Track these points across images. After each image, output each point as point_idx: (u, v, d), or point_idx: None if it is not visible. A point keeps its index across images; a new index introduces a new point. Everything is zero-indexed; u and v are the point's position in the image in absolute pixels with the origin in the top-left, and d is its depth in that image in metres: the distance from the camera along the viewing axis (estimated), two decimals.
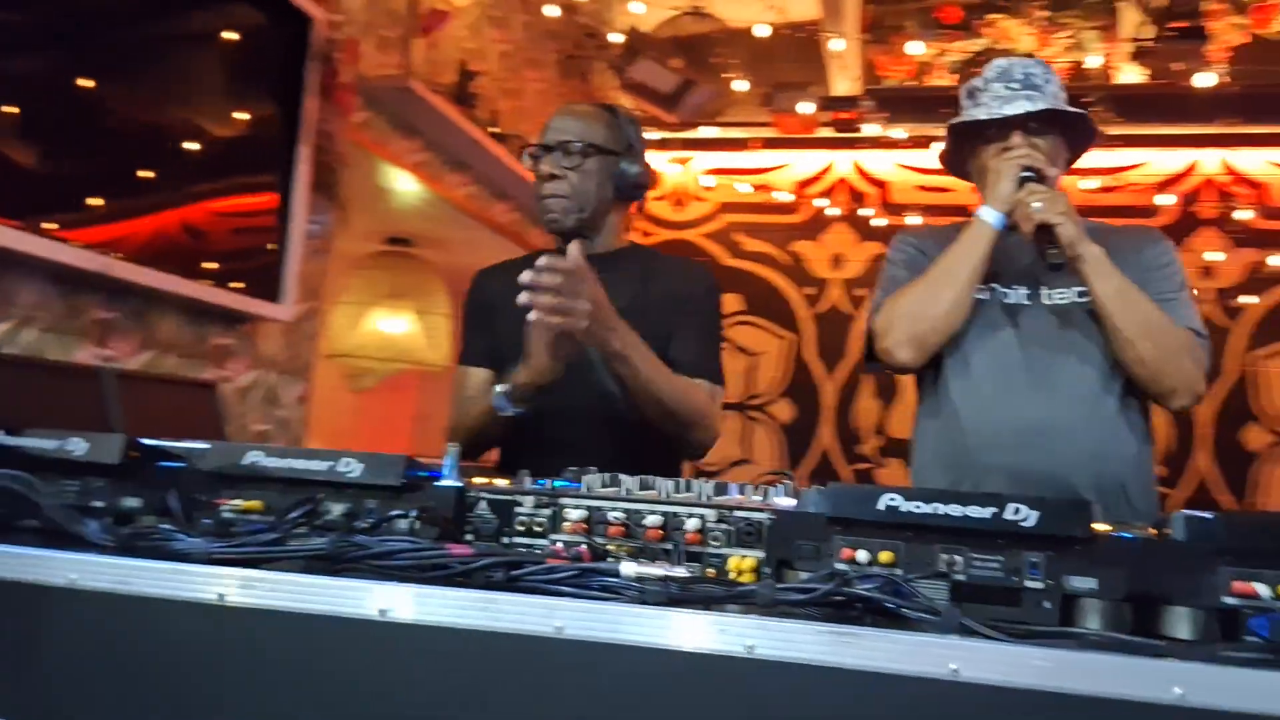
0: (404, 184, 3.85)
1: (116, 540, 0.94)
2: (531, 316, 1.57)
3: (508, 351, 1.79)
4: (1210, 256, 5.06)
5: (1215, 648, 0.78)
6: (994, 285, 1.85)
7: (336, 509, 1.00)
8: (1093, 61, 4.75)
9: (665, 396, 1.72)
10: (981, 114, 1.83)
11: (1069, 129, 1.87)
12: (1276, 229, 5.01)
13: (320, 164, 2.98)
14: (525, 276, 1.55)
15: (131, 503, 1.04)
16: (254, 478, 1.01)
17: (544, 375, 1.67)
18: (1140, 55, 4.25)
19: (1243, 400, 5.00)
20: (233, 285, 2.73)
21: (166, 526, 0.96)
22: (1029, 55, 2.05)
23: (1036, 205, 1.73)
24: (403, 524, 0.96)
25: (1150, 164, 5.16)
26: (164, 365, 2.61)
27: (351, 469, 0.99)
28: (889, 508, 0.88)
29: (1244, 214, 5.06)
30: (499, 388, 1.72)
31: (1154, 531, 0.91)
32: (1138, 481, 1.80)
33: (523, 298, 1.55)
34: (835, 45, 4.44)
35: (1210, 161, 5.14)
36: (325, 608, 0.85)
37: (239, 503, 1.00)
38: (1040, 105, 1.79)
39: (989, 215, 1.79)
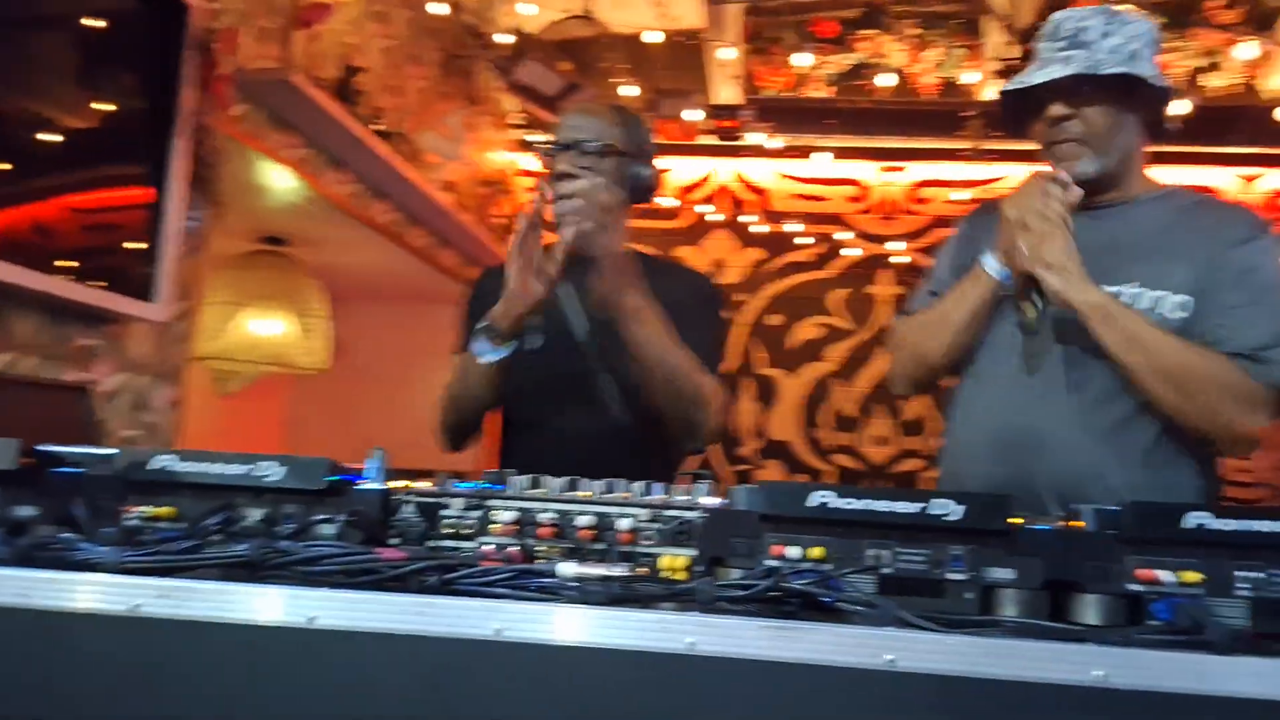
0: (280, 181, 3.72)
1: (14, 552, 0.88)
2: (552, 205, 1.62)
3: None
4: None
5: (1129, 632, 0.83)
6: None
7: (254, 514, 0.96)
8: (969, 78, 4.95)
9: (672, 368, 1.67)
10: (1016, 83, 1.65)
11: (1127, 91, 1.60)
12: None
13: (196, 158, 2.86)
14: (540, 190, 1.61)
15: (26, 512, 0.98)
16: (164, 483, 0.96)
17: (521, 301, 1.63)
18: (1005, 74, 4.45)
19: None
20: (100, 283, 2.58)
21: (69, 536, 0.91)
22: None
23: (1021, 247, 1.57)
24: (329, 529, 0.93)
25: (1010, 178, 5.42)
26: (23, 367, 2.45)
27: (271, 473, 0.95)
28: (820, 504, 0.90)
29: None
30: (475, 328, 1.66)
31: (1066, 523, 0.95)
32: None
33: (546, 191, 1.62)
34: (724, 54, 4.51)
35: None
36: (251, 617, 0.82)
37: (148, 509, 0.95)
38: (1070, 70, 1.57)
39: (990, 266, 1.65)
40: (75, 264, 2.52)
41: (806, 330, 5.40)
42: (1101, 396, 1.61)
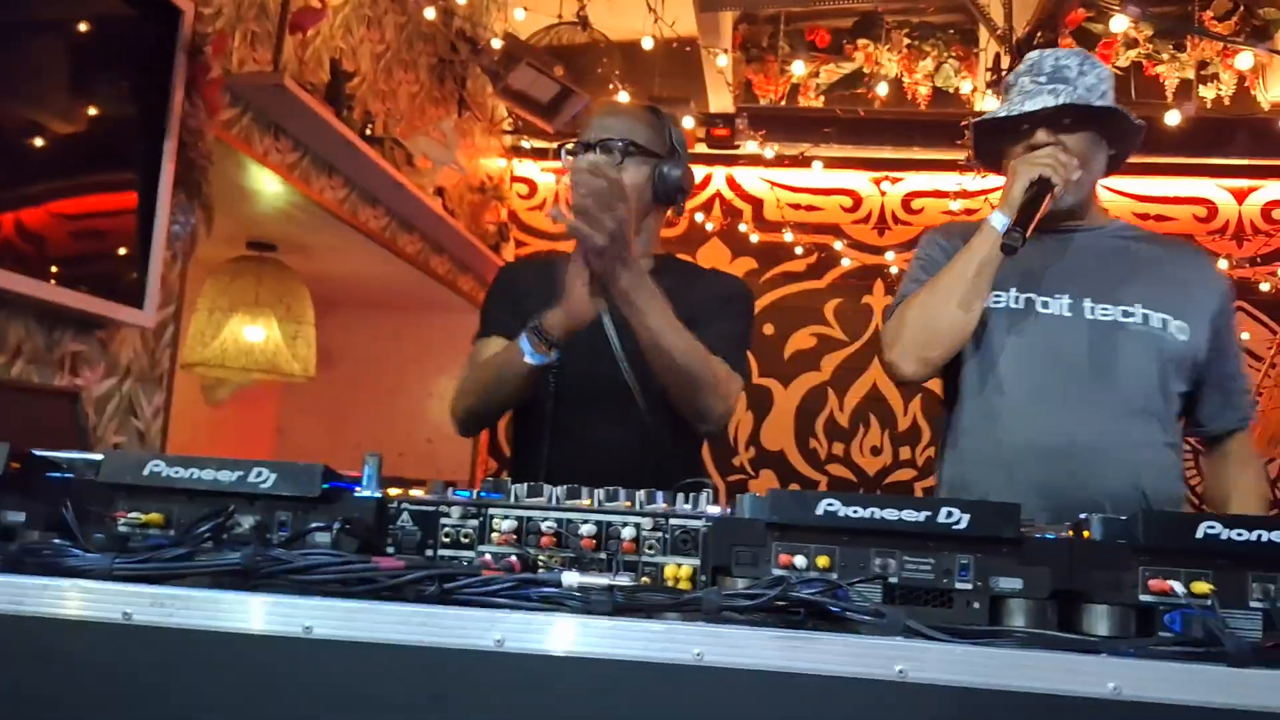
0: (270, 186, 3.69)
1: (3, 557, 0.86)
2: (566, 213, 1.50)
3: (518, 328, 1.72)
4: None
5: (1143, 643, 0.82)
6: (1031, 294, 1.75)
7: (247, 522, 0.94)
8: (964, 88, 4.96)
9: (674, 351, 1.62)
10: (1002, 111, 1.74)
11: (1107, 125, 1.73)
12: None
13: (186, 163, 2.83)
14: (580, 163, 1.52)
15: (14, 517, 0.95)
16: (156, 489, 0.94)
17: (579, 316, 1.58)
18: (997, 85, 4.46)
19: None
20: (90, 289, 2.56)
21: (60, 542, 0.89)
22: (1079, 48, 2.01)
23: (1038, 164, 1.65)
24: (323, 537, 0.91)
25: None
26: (11, 372, 2.42)
27: (265, 479, 0.93)
28: (827, 512, 0.89)
29: None
30: (527, 329, 1.61)
31: (1074, 533, 0.94)
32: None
33: (567, 178, 1.50)
34: (718, 62, 4.51)
35: None
36: (244, 626, 0.80)
37: (137, 516, 0.93)
38: (1061, 100, 1.67)
39: (998, 221, 1.67)
40: (64, 269, 2.50)
41: (801, 340, 5.39)
42: (1140, 410, 1.69)
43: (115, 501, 0.95)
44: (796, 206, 5.46)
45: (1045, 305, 1.74)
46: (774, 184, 5.47)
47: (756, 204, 5.53)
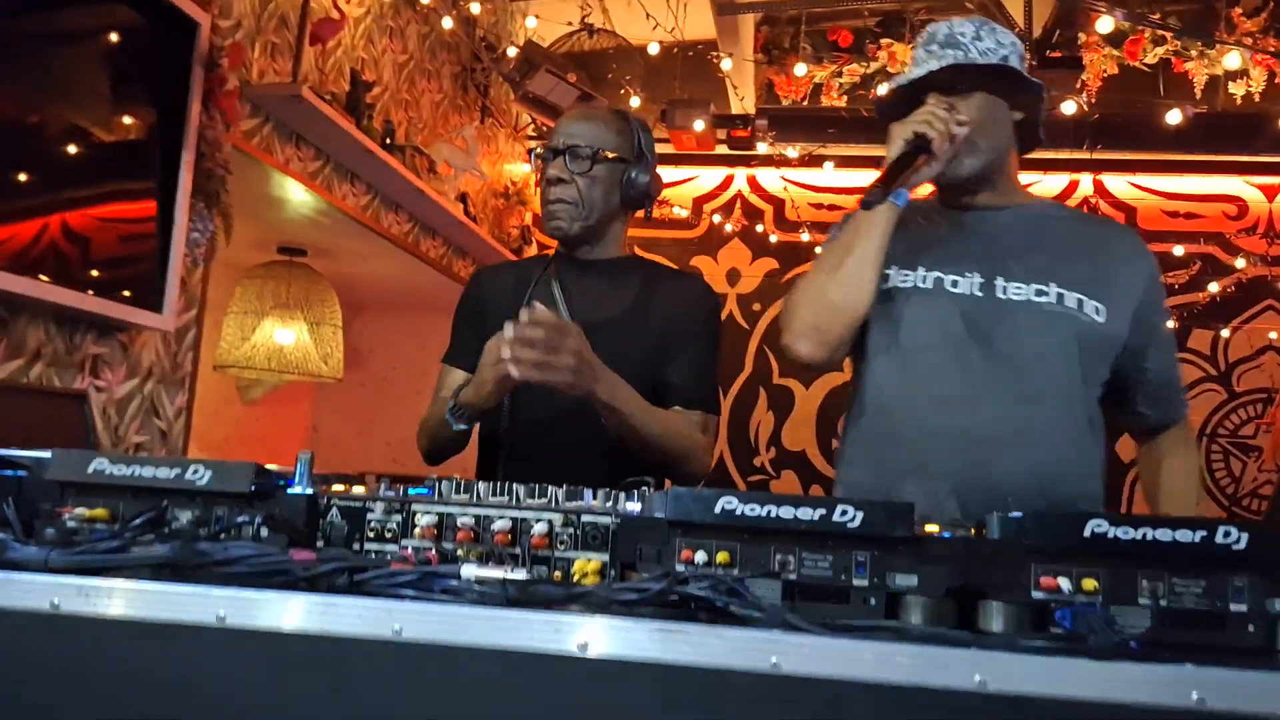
0: (296, 193, 3.79)
1: None
2: (513, 371, 1.49)
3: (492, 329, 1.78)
4: None
5: (1016, 638, 0.84)
6: (940, 273, 1.67)
7: (185, 517, 0.99)
8: None
9: (655, 438, 1.68)
10: (892, 84, 1.72)
11: (1003, 88, 1.66)
12: None
13: (204, 171, 2.92)
14: (507, 332, 1.48)
15: None
16: (101, 486, 1.00)
17: (486, 403, 1.66)
18: None
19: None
20: (111, 294, 2.66)
21: (1, 535, 0.95)
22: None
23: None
24: (249, 531, 0.96)
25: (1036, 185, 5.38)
26: (32, 374, 2.53)
27: (200, 476, 0.99)
28: (725, 510, 0.92)
29: None
30: (449, 406, 1.69)
31: (972, 530, 0.96)
32: (1092, 501, 1.65)
33: (504, 351, 1.48)
34: (738, 64, 4.53)
35: (1086, 184, 5.38)
36: (163, 615, 0.85)
37: (83, 511, 0.99)
38: (945, 63, 1.62)
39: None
40: (85, 274, 2.60)
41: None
42: (1063, 394, 1.63)
43: (65, 498, 1.01)
44: (819, 206, 5.46)
45: (955, 284, 1.66)
46: (795, 183, 5.48)
47: (778, 204, 5.54)
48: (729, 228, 5.54)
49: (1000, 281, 1.64)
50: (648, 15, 3.97)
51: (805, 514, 0.91)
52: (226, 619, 0.84)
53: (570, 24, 4.23)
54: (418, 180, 4.02)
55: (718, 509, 0.92)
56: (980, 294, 1.65)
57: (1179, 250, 5.08)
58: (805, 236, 5.34)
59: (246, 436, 5.39)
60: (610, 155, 1.83)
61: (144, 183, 2.80)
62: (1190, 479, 1.81)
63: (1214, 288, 5.06)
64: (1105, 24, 3.08)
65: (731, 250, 5.52)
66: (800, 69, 4.79)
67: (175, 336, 3.07)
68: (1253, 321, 5.08)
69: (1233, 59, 3.96)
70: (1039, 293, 1.63)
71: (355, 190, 4.02)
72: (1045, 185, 5.28)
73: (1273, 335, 5.02)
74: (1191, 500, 1.77)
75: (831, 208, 5.45)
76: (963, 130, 1.59)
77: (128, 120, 2.75)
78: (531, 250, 5.43)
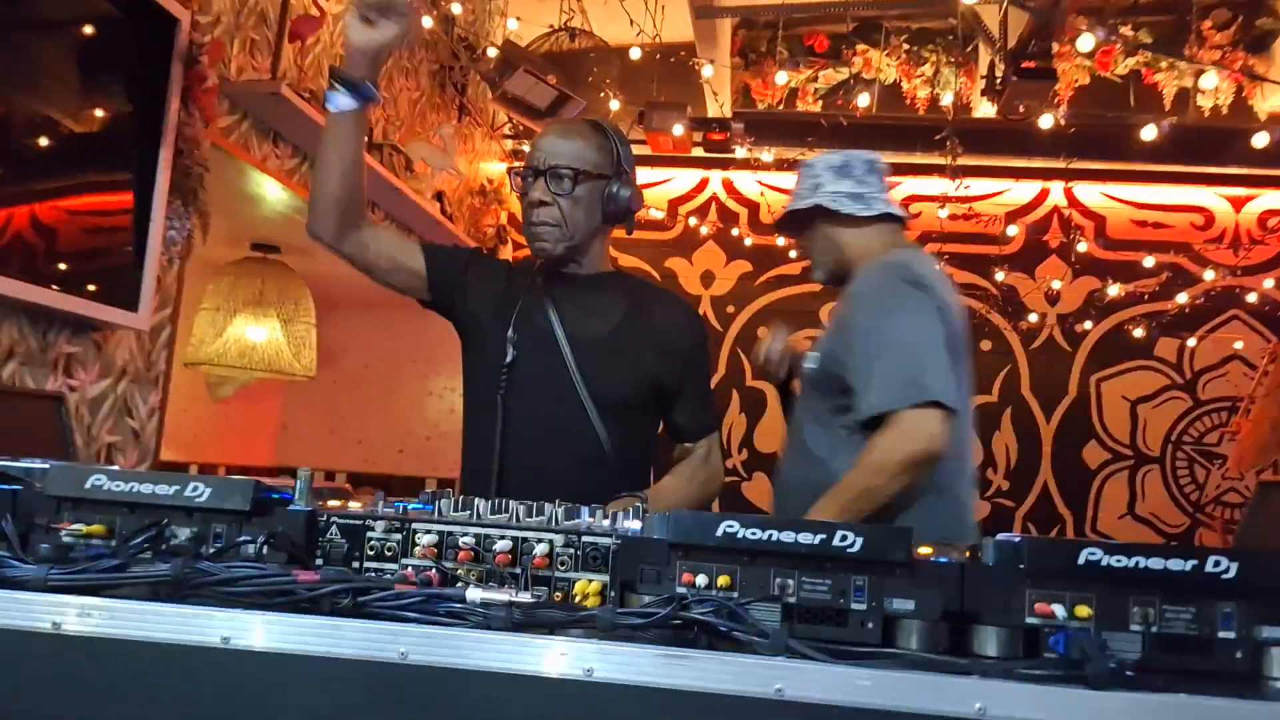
0: (271, 190, 3.76)
1: None
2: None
3: (466, 324, 1.91)
4: (1057, 284, 5.35)
5: (1014, 665, 0.85)
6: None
7: (184, 534, 0.99)
8: (948, 99, 4.98)
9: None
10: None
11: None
12: (1112, 259, 5.33)
13: (181, 169, 2.89)
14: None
15: None
16: (97, 501, 0.99)
17: (353, 46, 1.65)
18: (991, 91, 4.48)
19: (1084, 419, 5.31)
20: (85, 292, 2.62)
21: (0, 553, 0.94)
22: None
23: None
24: (250, 549, 0.95)
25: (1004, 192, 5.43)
26: (5, 374, 2.49)
27: (200, 493, 0.98)
28: (726, 534, 0.93)
29: (1083, 245, 5.36)
30: (331, 81, 1.67)
31: (968, 555, 0.98)
32: None
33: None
34: (715, 68, 4.54)
35: (1057, 193, 5.43)
36: (167, 635, 0.85)
37: (80, 527, 0.98)
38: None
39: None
40: (59, 272, 2.56)
41: (795, 343, 5.41)
42: (826, 449, 1.97)
43: (61, 513, 1.00)
44: None
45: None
46: (770, 187, 5.50)
47: (753, 207, 5.57)
48: (704, 230, 5.56)
49: (809, 355, 2.20)
50: (631, 21, 3.97)
51: (806, 538, 0.92)
52: (231, 640, 0.84)
53: (550, 26, 4.22)
54: (394, 178, 4.00)
55: (719, 532, 0.93)
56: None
57: (1149, 261, 5.16)
58: (780, 240, 5.36)
59: (216, 433, 5.33)
60: (592, 174, 1.83)
61: (120, 179, 2.76)
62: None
63: (1183, 298, 5.14)
64: (1086, 41, 3.13)
65: (706, 252, 5.54)
66: (782, 77, 4.81)
67: (150, 335, 3.03)
68: (1218, 331, 5.17)
69: (1209, 79, 4.03)
70: (810, 362, 2.16)
71: None
72: (1015, 194, 5.35)
73: (1238, 345, 5.11)
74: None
75: None
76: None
77: (104, 115, 2.71)
78: (507, 250, 5.41)
